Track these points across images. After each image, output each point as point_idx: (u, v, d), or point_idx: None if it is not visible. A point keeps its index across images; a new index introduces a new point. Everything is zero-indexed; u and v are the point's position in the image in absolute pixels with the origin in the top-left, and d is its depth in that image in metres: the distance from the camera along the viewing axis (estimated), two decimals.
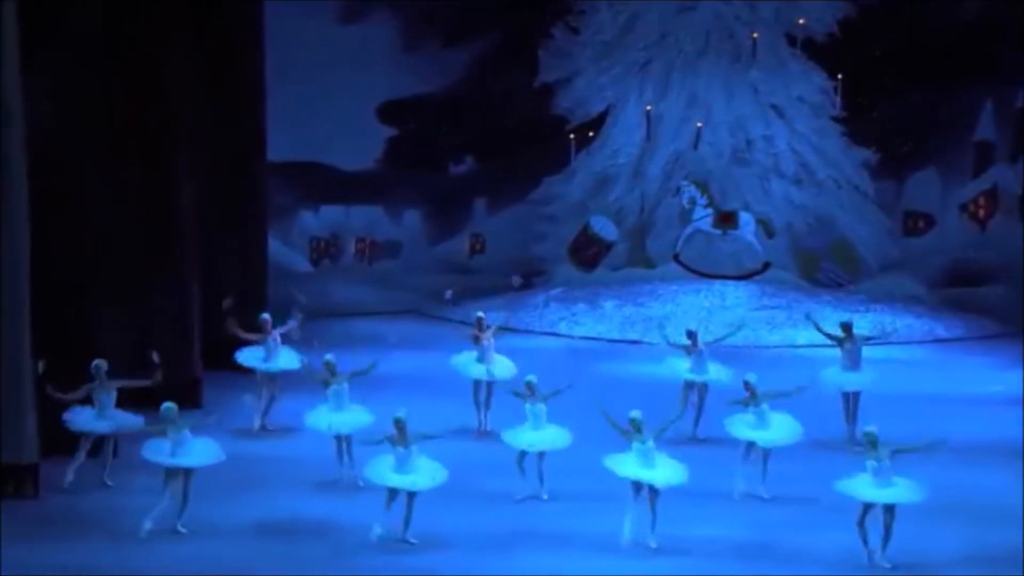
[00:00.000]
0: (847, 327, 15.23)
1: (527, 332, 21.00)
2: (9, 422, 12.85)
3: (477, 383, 15.22)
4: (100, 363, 13.12)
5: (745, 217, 22.17)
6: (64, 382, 13.14)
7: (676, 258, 22.35)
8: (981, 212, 22.92)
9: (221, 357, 16.05)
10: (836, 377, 15.02)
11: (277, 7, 19.62)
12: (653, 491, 11.63)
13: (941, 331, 21.01)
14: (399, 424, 11.69)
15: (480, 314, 15.53)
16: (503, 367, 14.85)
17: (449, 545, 11.72)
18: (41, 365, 13.04)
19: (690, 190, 22.23)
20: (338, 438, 13.28)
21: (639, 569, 11.29)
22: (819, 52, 22.71)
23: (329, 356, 13.44)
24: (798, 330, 19.96)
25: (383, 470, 11.75)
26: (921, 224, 23.26)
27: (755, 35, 22.69)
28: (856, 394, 15.00)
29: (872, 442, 11.47)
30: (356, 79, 22.68)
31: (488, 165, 23.86)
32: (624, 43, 23.07)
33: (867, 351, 15.47)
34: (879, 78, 22.62)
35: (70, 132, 14.07)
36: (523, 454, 12.89)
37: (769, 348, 19.80)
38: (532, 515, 12.51)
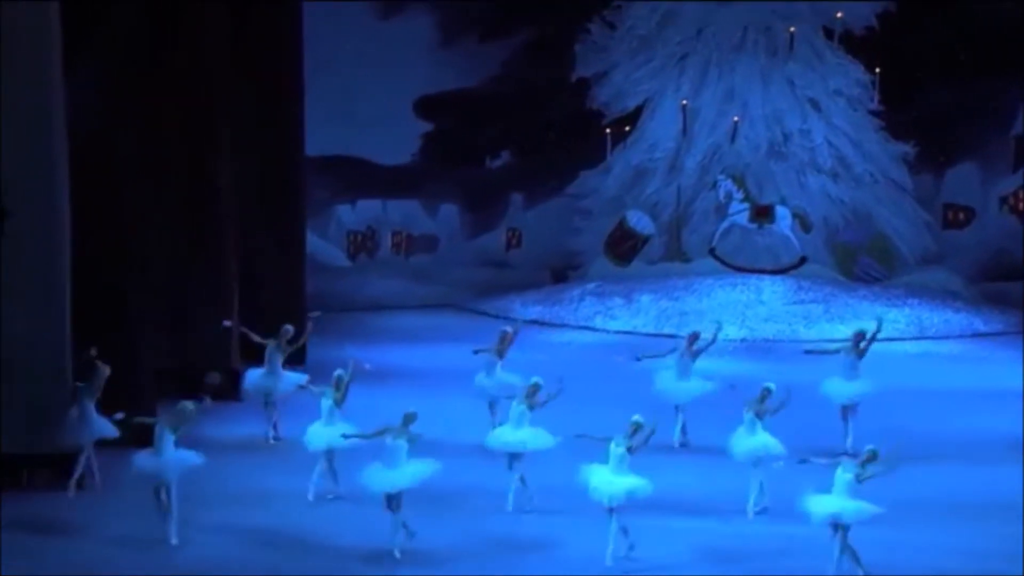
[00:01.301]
0: (861, 336, 14.50)
1: (562, 326, 21.07)
2: (52, 413, 13.03)
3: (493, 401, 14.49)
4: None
5: (782, 211, 22.10)
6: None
7: (712, 252, 22.32)
8: (1021, 205, 22.75)
9: (259, 350, 16.18)
10: (839, 388, 14.30)
11: (315, 4, 19.75)
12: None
13: (980, 325, 20.88)
14: (408, 419, 11.44)
15: (507, 329, 14.94)
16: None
17: (438, 559, 11.42)
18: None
19: (726, 184, 22.21)
20: (328, 453, 12.80)
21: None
22: (857, 46, 22.61)
23: (340, 371, 12.98)
24: (834, 324, 19.91)
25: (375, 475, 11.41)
26: (961, 217, 23.12)
27: (792, 29, 22.62)
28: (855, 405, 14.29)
29: (873, 458, 10.96)
30: (393, 74, 22.79)
31: (525, 159, 23.92)
32: (661, 37, 23.06)
33: (904, 346, 15.36)
34: (918, 72, 22.50)
35: (112, 129, 14.21)
36: (511, 459, 12.45)
37: (805, 343, 19.73)
38: (521, 525, 12.20)
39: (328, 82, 21.00)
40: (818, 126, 22.66)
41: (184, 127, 15.95)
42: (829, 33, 22.77)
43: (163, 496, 11.64)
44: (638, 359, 14.74)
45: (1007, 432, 14.64)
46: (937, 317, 20.80)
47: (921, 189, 22.91)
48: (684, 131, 22.83)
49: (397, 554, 11.38)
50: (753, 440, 12.45)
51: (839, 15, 22.47)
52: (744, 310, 20.93)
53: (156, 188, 15.29)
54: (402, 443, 11.39)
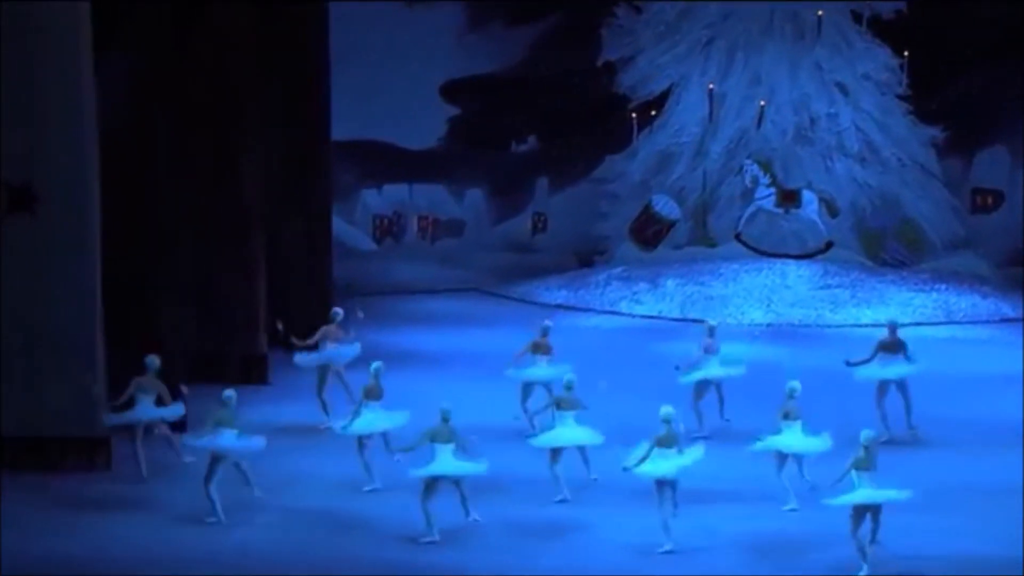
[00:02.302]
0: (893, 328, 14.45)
1: (588, 311, 21.06)
2: (83, 397, 13.16)
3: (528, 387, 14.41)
4: None
5: (808, 196, 22.00)
6: (133, 358, 13.42)
7: (738, 237, 22.25)
8: None
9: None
10: (874, 371, 14.21)
11: None
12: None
13: (1008, 310, 20.75)
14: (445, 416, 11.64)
15: (548, 322, 14.93)
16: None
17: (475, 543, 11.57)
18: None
19: (753, 169, 22.12)
20: (362, 439, 12.88)
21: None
22: (885, 29, 22.46)
23: (378, 363, 13.08)
24: (861, 309, 19.84)
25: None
26: (989, 201, 22.97)
27: (820, 12, 22.48)
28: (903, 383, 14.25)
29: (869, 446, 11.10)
30: (420, 59, 22.81)
31: (551, 144, 23.91)
32: (687, 21, 22.94)
33: (931, 331, 15.30)
34: (946, 55, 22.33)
35: (140, 117, 14.32)
36: (555, 454, 12.54)
37: (832, 327, 19.70)
38: (561, 514, 12.29)
39: (354, 67, 21.03)
40: (845, 110, 22.53)
41: (212, 114, 16.04)
42: (857, 17, 22.61)
43: (217, 478, 11.97)
44: (677, 368, 14.51)
45: None
46: (965, 302, 20.69)
47: (949, 173, 22.76)
48: (710, 116, 22.74)
49: (436, 536, 11.51)
50: (791, 441, 12.37)
51: None
52: (770, 295, 20.88)
53: (184, 173, 15.38)
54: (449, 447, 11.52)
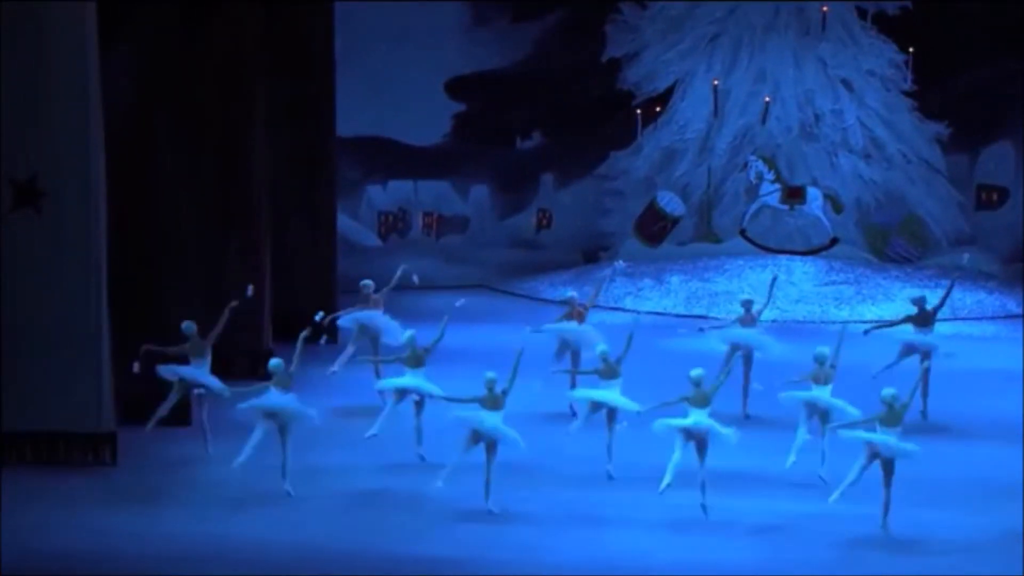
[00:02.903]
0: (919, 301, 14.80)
1: (592, 306, 21.02)
2: (87, 392, 13.19)
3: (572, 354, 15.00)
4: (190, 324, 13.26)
5: (813, 192, 22.03)
6: (137, 353, 13.45)
7: (743, 233, 22.27)
8: None
9: (291, 329, 16.28)
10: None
11: None
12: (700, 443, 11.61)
13: (1013, 306, 20.77)
14: (491, 384, 11.95)
15: (572, 293, 15.57)
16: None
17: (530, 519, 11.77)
18: (250, 289, 13.73)
19: (757, 165, 22.14)
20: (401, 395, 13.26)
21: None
22: (890, 25, 22.47)
23: (411, 331, 13.52)
24: (866, 305, 19.87)
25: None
26: (995, 197, 22.98)
27: (825, 8, 22.50)
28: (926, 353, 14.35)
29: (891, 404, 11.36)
30: (424, 54, 22.83)
31: (555, 140, 23.93)
32: (692, 17, 22.97)
33: (936, 326, 15.34)
34: (952, 51, 22.33)
35: (147, 113, 14.35)
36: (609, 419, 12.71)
37: (836, 323, 19.68)
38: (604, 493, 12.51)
39: (360, 63, 21.07)
40: (850, 106, 22.55)
41: (218, 110, 16.05)
42: (862, 13, 22.64)
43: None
44: (701, 330, 15.21)
45: None
46: (970, 298, 20.70)
47: (954, 170, 22.78)
48: (715, 112, 22.77)
49: (492, 507, 11.72)
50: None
51: None
52: (775, 291, 20.89)
53: (190, 168, 15.41)
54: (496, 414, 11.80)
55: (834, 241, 22.05)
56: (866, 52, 22.55)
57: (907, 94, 22.61)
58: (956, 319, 19.85)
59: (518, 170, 23.91)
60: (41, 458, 13.13)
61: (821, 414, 12.52)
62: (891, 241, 22.39)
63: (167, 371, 13.25)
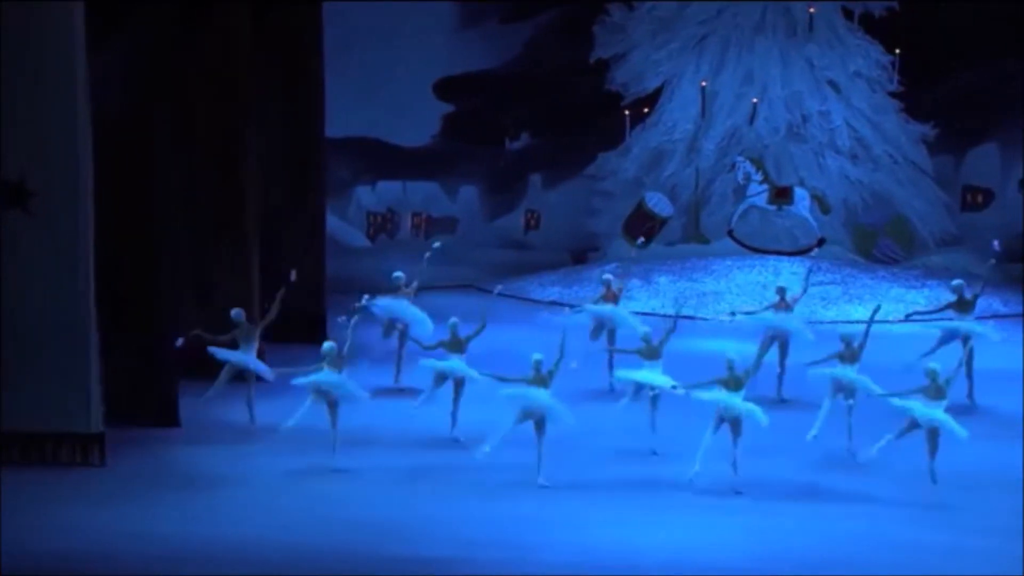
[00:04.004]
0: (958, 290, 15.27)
1: (581, 307, 21.09)
2: (76, 392, 13.19)
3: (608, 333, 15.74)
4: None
5: (800, 193, 22.11)
6: (126, 353, 13.46)
7: (730, 234, 22.35)
8: None
9: (280, 329, 16.31)
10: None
11: None
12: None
13: (999, 306, 20.85)
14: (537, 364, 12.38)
15: (607, 276, 16.40)
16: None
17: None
18: (293, 274, 14.55)
19: (745, 166, 22.21)
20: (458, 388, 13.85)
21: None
22: (877, 26, 22.57)
23: (454, 319, 14.16)
24: (853, 305, 19.95)
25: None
26: (980, 199, 23.10)
27: (812, 9, 22.59)
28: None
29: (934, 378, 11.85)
30: (413, 55, 22.88)
31: (544, 141, 23.99)
32: (680, 18, 23.05)
33: (925, 326, 15.45)
34: (938, 53, 22.44)
35: (136, 114, 14.36)
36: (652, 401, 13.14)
37: (823, 323, 19.76)
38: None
39: (349, 64, 21.11)
40: (837, 107, 22.64)
41: (208, 110, 16.08)
42: (849, 14, 22.74)
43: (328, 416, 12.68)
44: (733, 314, 16.02)
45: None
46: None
47: (941, 171, 22.89)
48: (703, 113, 22.84)
49: (543, 481, 12.11)
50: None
51: None
52: (762, 291, 20.93)
53: (180, 170, 15.42)
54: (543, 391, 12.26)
55: (821, 241, 22.13)
56: (853, 53, 22.66)
57: (893, 95, 22.71)
58: (942, 319, 19.92)
59: (507, 171, 23.96)
60: (29, 459, 13.13)
61: (847, 391, 12.99)
62: (878, 242, 22.49)
63: (219, 353, 13.92)
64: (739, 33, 22.85)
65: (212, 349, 14.00)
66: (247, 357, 14.04)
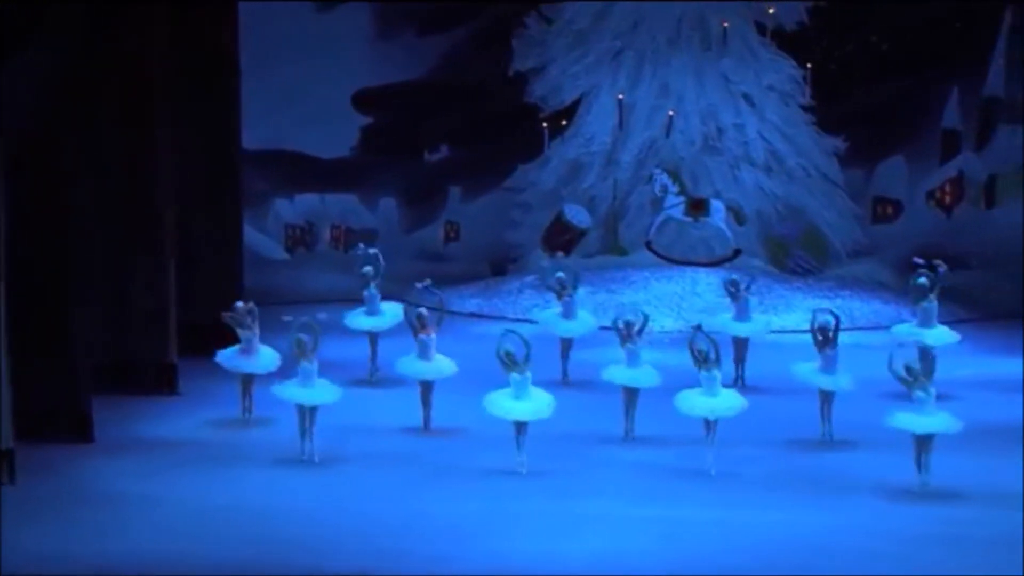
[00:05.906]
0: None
1: (501, 318, 21.18)
2: None
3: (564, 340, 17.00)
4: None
5: (716, 204, 22.36)
6: (38, 367, 13.24)
7: (648, 245, 22.53)
8: (947, 199, 23.26)
9: (196, 344, 16.18)
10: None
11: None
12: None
13: (908, 316, 21.26)
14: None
15: (560, 274, 17.25)
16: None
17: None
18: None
19: (662, 178, 22.42)
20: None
21: None
22: (789, 41, 22.95)
23: (422, 309, 15.08)
24: (768, 316, 20.20)
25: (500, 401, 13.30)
26: (889, 211, 23.57)
27: (726, 24, 22.90)
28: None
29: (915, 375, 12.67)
30: (331, 67, 22.79)
31: (463, 153, 24.03)
32: (597, 32, 23.22)
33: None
34: (848, 67, 22.89)
35: (48, 118, 14.17)
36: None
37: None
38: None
39: (265, 76, 20.97)
40: (751, 121, 22.96)
41: (122, 116, 15.92)
42: (762, 28, 23.09)
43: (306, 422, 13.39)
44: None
45: None
46: (867, 308, 21.19)
47: (852, 183, 23.31)
48: (620, 125, 23.03)
49: (523, 470, 12.82)
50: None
51: (771, 11, 22.79)
52: (680, 302, 21.19)
53: (93, 184, 15.25)
54: (527, 376, 13.26)
55: (737, 252, 22.42)
56: (766, 67, 22.99)
57: (805, 109, 23.10)
58: (855, 328, 20.28)
59: (426, 183, 23.96)
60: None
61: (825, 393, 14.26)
62: (792, 252, 22.81)
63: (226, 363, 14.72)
64: (655, 46, 23.08)
65: (219, 359, 14.75)
66: (255, 365, 14.72)
